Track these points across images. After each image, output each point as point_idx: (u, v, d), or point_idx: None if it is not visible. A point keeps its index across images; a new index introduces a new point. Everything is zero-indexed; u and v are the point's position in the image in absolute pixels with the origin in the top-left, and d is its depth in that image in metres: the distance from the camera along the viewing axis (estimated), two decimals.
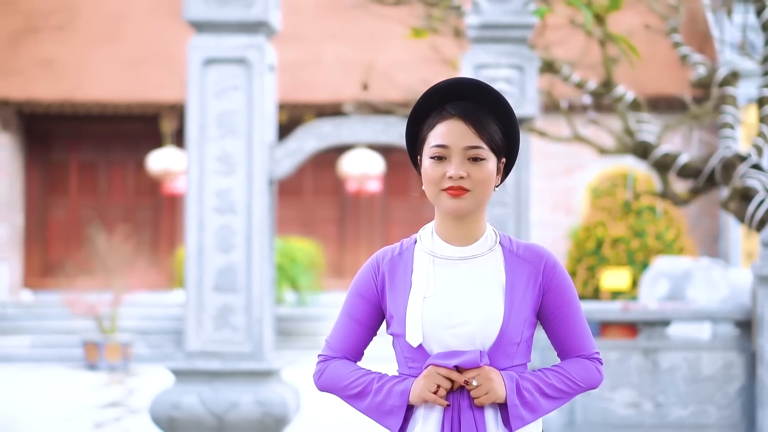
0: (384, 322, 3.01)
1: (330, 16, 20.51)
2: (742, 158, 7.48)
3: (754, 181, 7.25)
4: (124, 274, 17.26)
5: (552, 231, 19.50)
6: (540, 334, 3.62)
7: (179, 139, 18.95)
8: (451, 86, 2.92)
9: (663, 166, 8.53)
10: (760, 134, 7.54)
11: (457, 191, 2.87)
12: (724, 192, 7.94)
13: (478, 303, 2.89)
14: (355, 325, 3.00)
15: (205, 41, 8.52)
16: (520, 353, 2.92)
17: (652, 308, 8.26)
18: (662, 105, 18.54)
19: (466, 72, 8.42)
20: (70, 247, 20.62)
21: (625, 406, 7.92)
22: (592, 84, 9.56)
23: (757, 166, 7.38)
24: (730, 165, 7.56)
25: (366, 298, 2.99)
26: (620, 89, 9.32)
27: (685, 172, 8.33)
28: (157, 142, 20.08)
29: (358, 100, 14.25)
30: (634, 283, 15.74)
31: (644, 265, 15.64)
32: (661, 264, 10.94)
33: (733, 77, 8.27)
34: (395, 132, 8.81)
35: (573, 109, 14.11)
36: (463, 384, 2.86)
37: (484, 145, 2.89)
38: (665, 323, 8.04)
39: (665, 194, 8.98)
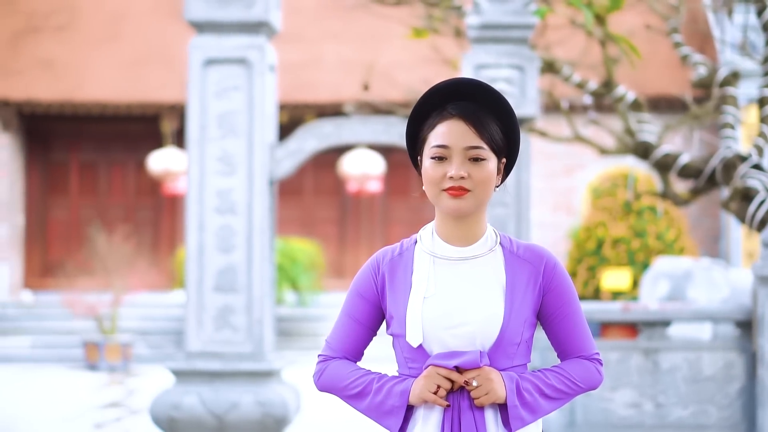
0: (384, 323, 3.01)
1: (331, 16, 20.51)
2: (743, 158, 7.47)
3: (755, 181, 7.25)
4: (125, 275, 17.26)
5: (552, 231, 19.49)
6: (540, 335, 3.62)
7: (180, 140, 18.94)
8: (452, 86, 2.92)
9: (664, 166, 8.53)
10: (761, 134, 7.54)
11: (458, 191, 2.87)
12: (725, 192, 7.93)
13: (479, 303, 2.89)
14: (355, 326, 3.00)
15: (206, 41, 8.52)
16: (520, 354, 2.92)
17: (653, 308, 8.25)
18: (663, 105, 18.54)
19: (466, 72, 8.41)
20: (71, 247, 20.62)
21: (626, 406, 7.92)
22: (593, 84, 9.56)
23: (757, 167, 7.38)
24: (730, 165, 7.56)
25: (366, 299, 2.99)
26: (621, 89, 9.32)
27: (686, 172, 8.33)
28: (158, 142, 20.08)
29: (359, 100, 14.25)
30: (635, 284, 15.74)
31: (645, 266, 15.64)
32: (661, 264, 10.94)
33: (734, 77, 8.27)
34: (396, 132, 8.80)
35: (573, 109, 14.11)
36: (463, 384, 2.85)
37: (485, 145, 2.88)
38: (666, 323, 8.04)
39: (666, 194, 8.98)
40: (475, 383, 2.84)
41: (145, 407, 11.44)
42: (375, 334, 3.04)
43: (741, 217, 7.36)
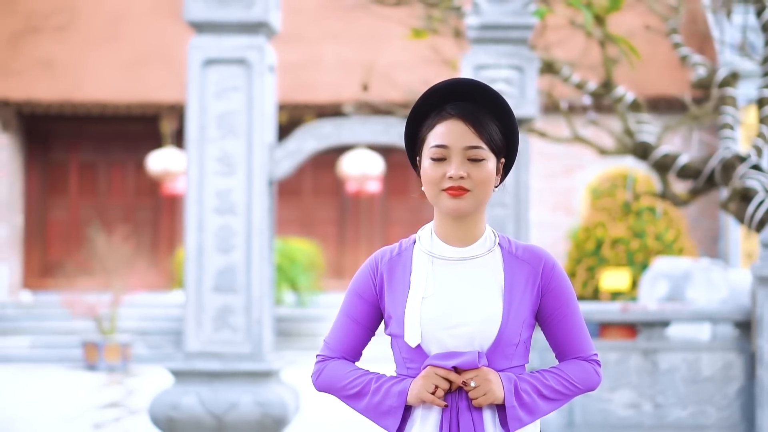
0: (382, 323, 3.01)
1: (330, 16, 20.51)
2: (742, 159, 7.48)
3: (754, 181, 7.25)
4: (124, 275, 17.26)
5: (552, 232, 19.50)
6: (538, 335, 3.62)
7: (179, 140, 18.95)
8: (450, 87, 2.92)
9: (663, 166, 8.53)
10: (760, 135, 7.55)
11: (458, 191, 2.87)
12: (724, 193, 7.94)
13: (477, 304, 2.89)
14: (354, 326, 3.00)
15: (206, 42, 8.52)
16: (519, 354, 2.92)
17: (652, 309, 8.25)
18: (662, 106, 18.54)
19: (466, 73, 8.42)
20: (70, 247, 20.62)
21: (625, 406, 7.92)
22: (592, 85, 9.57)
23: (756, 167, 7.38)
24: (729, 166, 7.56)
25: (364, 299, 2.99)
26: (620, 90, 9.32)
27: (685, 172, 8.33)
28: (157, 142, 20.08)
29: (358, 100, 14.26)
30: (634, 284, 15.74)
31: (644, 266, 15.64)
32: (660, 265, 10.94)
33: (733, 78, 8.27)
34: (395, 132, 8.81)
35: (573, 109, 14.11)
36: (462, 385, 2.85)
37: (484, 145, 2.88)
38: (665, 324, 8.04)
39: (665, 195, 8.98)
40: (473, 384, 2.84)
41: (144, 407, 11.44)
42: (373, 334, 3.04)
43: (740, 218, 7.36)
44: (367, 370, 2.97)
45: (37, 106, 19.86)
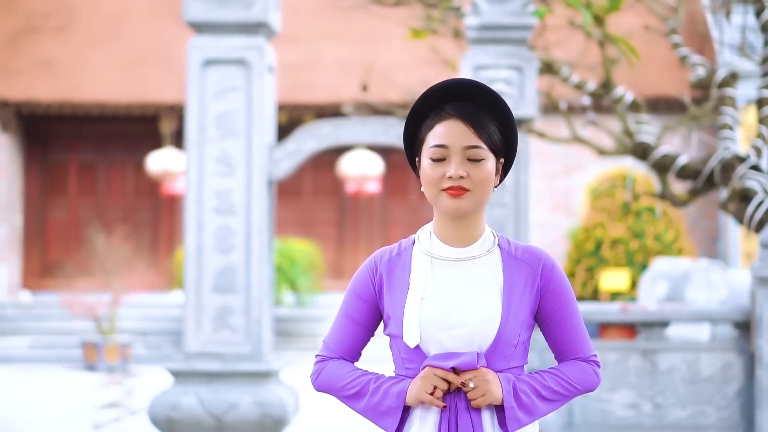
0: (382, 323, 3.01)
1: (329, 17, 20.51)
2: (741, 159, 7.47)
3: (753, 182, 7.25)
4: (123, 275, 17.25)
5: (551, 232, 19.50)
6: (538, 336, 3.62)
7: (178, 140, 18.95)
8: (449, 87, 2.92)
9: (662, 167, 8.52)
10: (759, 135, 7.54)
11: (457, 191, 2.87)
12: (723, 193, 7.93)
13: (476, 304, 2.89)
14: (353, 326, 3.00)
15: (205, 42, 8.52)
16: (518, 355, 2.92)
17: (651, 309, 8.25)
18: (661, 106, 18.55)
19: (465, 73, 8.42)
20: (69, 247, 20.62)
21: (624, 407, 7.92)
22: (592, 85, 9.56)
23: (756, 167, 7.37)
24: (729, 166, 7.56)
25: (363, 299, 2.99)
26: (619, 90, 9.32)
27: (685, 173, 8.33)
28: (157, 142, 20.08)
29: (358, 101, 14.26)
30: (633, 284, 15.74)
31: (643, 266, 15.64)
32: (660, 265, 10.94)
33: (733, 78, 8.27)
34: (394, 133, 8.81)
35: (572, 110, 14.11)
36: (460, 385, 2.85)
37: (483, 145, 2.88)
38: (664, 324, 8.04)
39: (664, 195, 8.98)
40: (471, 384, 2.84)
41: (143, 408, 11.44)
42: (372, 335, 3.04)
43: (739, 218, 7.36)
44: (366, 371, 2.97)
45: (36, 107, 19.86)
